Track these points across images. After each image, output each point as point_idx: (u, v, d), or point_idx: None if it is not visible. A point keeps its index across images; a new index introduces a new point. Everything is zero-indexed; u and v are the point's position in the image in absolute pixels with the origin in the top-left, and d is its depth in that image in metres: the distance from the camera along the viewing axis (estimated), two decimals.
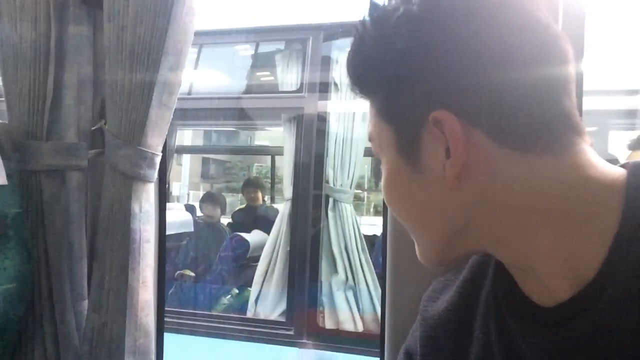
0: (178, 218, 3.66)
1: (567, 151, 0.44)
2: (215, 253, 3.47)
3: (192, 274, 3.34)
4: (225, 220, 4.82)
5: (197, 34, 1.13)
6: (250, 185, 5.18)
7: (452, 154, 0.44)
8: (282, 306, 2.64)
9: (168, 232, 3.51)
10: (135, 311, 1.02)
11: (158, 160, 1.05)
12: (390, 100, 0.48)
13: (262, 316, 2.64)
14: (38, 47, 1.10)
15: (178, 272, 3.36)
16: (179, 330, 2.55)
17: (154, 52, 1.02)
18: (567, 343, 0.43)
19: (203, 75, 3.08)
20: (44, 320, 1.07)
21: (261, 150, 5.93)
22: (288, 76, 2.69)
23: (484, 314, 0.54)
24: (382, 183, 0.53)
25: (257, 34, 2.74)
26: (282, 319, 2.55)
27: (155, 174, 1.05)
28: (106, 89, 1.06)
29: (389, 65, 0.47)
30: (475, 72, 0.44)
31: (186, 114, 3.43)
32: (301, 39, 2.59)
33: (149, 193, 1.05)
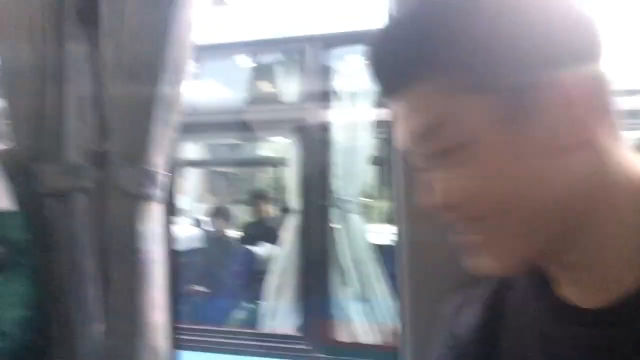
0: (186, 234, 3.64)
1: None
2: (224, 267, 3.44)
3: (204, 289, 3.31)
4: (234, 232, 4.79)
5: (197, 48, 1.11)
6: (258, 198, 5.15)
7: (573, 123, 0.41)
8: (295, 319, 2.61)
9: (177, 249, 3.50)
10: (147, 334, 1.00)
11: (163, 178, 1.04)
12: (487, 67, 0.42)
13: (275, 330, 2.61)
14: (36, 67, 1.08)
15: (188, 287, 3.34)
16: (192, 347, 2.52)
17: (152, 69, 1.00)
18: (631, 344, 0.41)
19: (205, 88, 3.07)
20: (58, 346, 1.05)
21: (265, 162, 5.91)
22: (288, 87, 2.68)
23: (515, 325, 0.51)
24: (446, 180, 0.46)
25: (256, 46, 2.73)
26: (297, 333, 2.51)
27: (160, 193, 1.04)
28: (106, 108, 1.04)
29: (479, 30, 0.42)
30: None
31: (191, 128, 3.42)
32: (299, 50, 2.58)
33: (155, 213, 1.03)
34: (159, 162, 1.02)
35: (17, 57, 1.10)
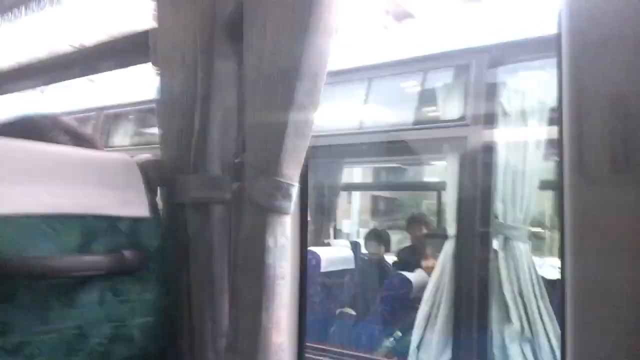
0: (338, 254, 3.63)
1: None
2: (377, 291, 3.35)
3: (353, 312, 3.25)
4: (389, 257, 4.70)
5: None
6: (415, 222, 5.00)
7: None
8: (447, 355, 2.40)
9: (329, 269, 3.51)
10: (266, 354, 0.95)
11: (294, 191, 0.99)
12: None
13: None
14: (186, 85, 1.13)
15: (339, 310, 3.31)
16: None
17: (289, 78, 0.97)
18: None
19: (358, 108, 3.05)
20: (185, 357, 1.06)
21: (425, 186, 5.73)
22: (449, 105, 2.52)
23: None
24: None
25: (416, 63, 2.63)
26: None
27: (291, 206, 0.99)
28: (246, 120, 1.04)
29: None
30: None
31: (349, 150, 3.43)
32: (463, 64, 2.41)
33: (284, 226, 0.98)
34: (290, 174, 0.98)
35: (171, 80, 1.16)
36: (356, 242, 5.26)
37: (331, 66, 0.93)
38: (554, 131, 2.49)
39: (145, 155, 1.06)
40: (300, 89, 0.97)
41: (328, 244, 4.71)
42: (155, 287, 0.98)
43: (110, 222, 0.94)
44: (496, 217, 2.37)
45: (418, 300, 2.99)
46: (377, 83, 2.74)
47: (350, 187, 5.67)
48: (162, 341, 1.00)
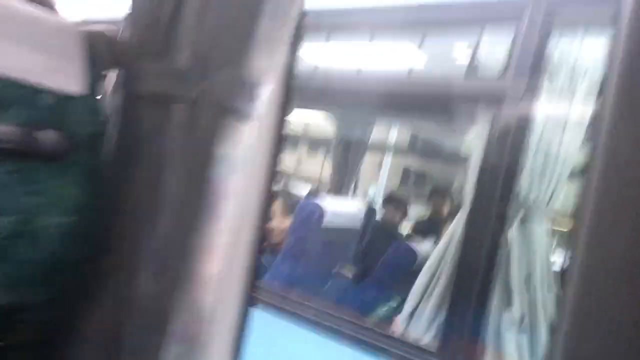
0: (348, 211, 3.46)
1: None
2: (380, 256, 3.18)
3: (351, 274, 3.10)
4: (405, 225, 4.53)
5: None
6: (436, 194, 4.79)
7: None
8: (435, 331, 2.23)
9: (333, 224, 3.35)
10: (190, 285, 0.79)
11: (262, 92, 0.80)
12: None
13: (410, 336, 2.26)
14: None
15: (337, 269, 3.16)
16: (319, 331, 2.34)
17: None
18: None
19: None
20: (110, 275, 0.91)
21: (453, 156, 5.46)
22: (491, 61, 2.25)
23: None
24: None
25: (460, 9, 2.34)
26: (430, 347, 2.12)
27: (256, 110, 0.81)
28: (219, 1, 0.84)
29: None
30: None
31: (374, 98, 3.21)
32: (517, 7, 2.10)
33: (243, 134, 0.80)
34: (259, 69, 0.79)
35: None
36: (373, 204, 5.09)
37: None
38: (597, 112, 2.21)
39: (98, 28, 0.88)
40: None
41: (344, 201, 4.55)
42: (77, 183, 0.82)
43: (30, 92, 0.77)
44: (518, 193, 2.14)
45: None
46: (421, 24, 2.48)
47: (377, 147, 5.43)
48: (83, 247, 0.85)
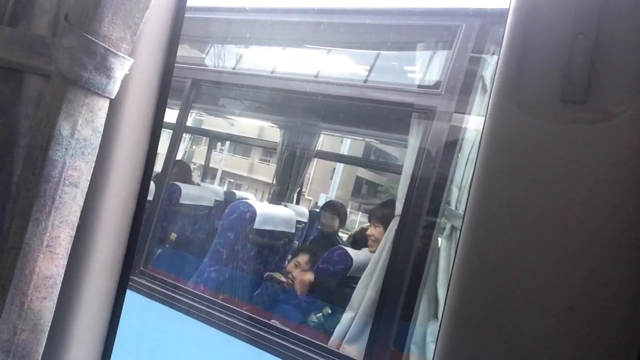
0: (281, 215, 3.34)
1: None
2: (314, 262, 3.08)
3: (283, 279, 2.98)
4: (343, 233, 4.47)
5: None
6: (382, 207, 4.80)
7: None
8: (363, 342, 2.14)
9: (265, 227, 3.24)
10: (23, 287, 0.66)
11: (121, 65, 0.69)
12: None
13: (343, 349, 2.17)
14: None
15: (267, 273, 3.04)
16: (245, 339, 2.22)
17: None
18: None
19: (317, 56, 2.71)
20: None
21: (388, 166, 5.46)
22: (425, 69, 2.21)
23: None
24: None
25: (399, 15, 2.29)
26: (353, 355, 2.03)
27: (111, 86, 0.69)
28: None
29: None
30: None
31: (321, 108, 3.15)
32: (451, 26, 2.09)
33: (94, 112, 0.68)
34: (115, 37, 0.67)
35: None
36: (314, 211, 5.02)
37: None
38: None
39: None
40: None
41: (284, 206, 4.45)
42: None
43: None
44: (448, 203, 2.09)
45: (356, 280, 2.74)
46: (349, 30, 2.41)
47: (322, 156, 5.38)
48: None
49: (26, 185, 0.67)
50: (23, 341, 0.67)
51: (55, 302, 0.69)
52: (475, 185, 0.55)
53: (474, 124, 2.12)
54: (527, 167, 0.51)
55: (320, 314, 2.81)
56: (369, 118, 3.21)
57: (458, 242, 0.57)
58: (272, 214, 3.20)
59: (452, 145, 2.09)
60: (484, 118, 0.58)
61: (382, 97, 2.24)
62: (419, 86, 2.23)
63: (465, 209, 0.57)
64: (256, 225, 2.98)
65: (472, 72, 2.10)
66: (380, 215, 3.28)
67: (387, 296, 2.04)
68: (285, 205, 4.37)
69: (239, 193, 5.14)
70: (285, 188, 5.12)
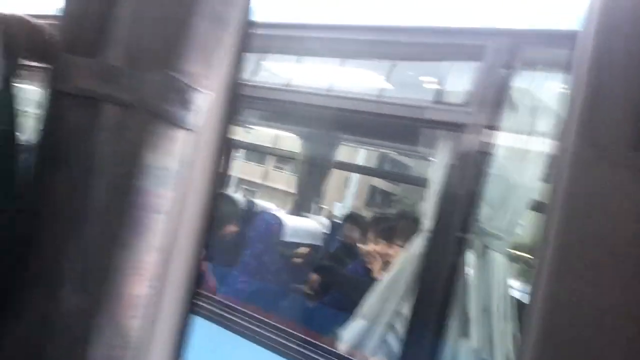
0: (308, 228, 3.38)
1: None
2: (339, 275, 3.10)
3: (310, 290, 3.02)
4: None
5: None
6: (404, 218, 4.81)
7: None
8: (387, 352, 2.16)
9: (292, 239, 3.28)
10: (115, 306, 0.70)
11: (200, 99, 0.73)
12: None
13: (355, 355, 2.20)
14: None
15: (294, 285, 3.07)
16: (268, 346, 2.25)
17: None
18: None
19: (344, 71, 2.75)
20: (29, 289, 0.81)
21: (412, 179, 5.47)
22: (454, 85, 2.24)
23: None
24: None
25: (426, 33, 2.33)
26: None
27: (192, 119, 0.73)
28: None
29: None
30: None
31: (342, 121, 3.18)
32: (478, 45, 2.12)
33: (174, 143, 0.73)
34: (196, 74, 0.71)
35: None
36: (336, 222, 5.04)
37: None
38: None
39: (16, 14, 0.79)
40: None
41: (306, 217, 4.49)
42: None
43: None
44: (478, 220, 2.11)
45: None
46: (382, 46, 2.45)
47: (341, 166, 5.40)
48: None
49: (112, 211, 0.71)
50: (117, 356, 0.72)
51: (142, 320, 0.73)
52: (554, 228, 0.57)
53: (502, 140, 2.15)
54: (606, 213, 0.53)
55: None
56: (393, 131, 3.24)
57: (533, 280, 0.59)
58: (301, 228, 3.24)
59: (481, 161, 2.10)
60: (553, 157, 0.61)
61: (410, 114, 2.28)
62: (449, 103, 2.26)
63: (543, 255, 0.58)
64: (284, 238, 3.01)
65: (502, 89, 2.12)
66: (388, 229, 3.07)
67: (418, 313, 2.06)
68: (307, 216, 4.41)
69: (262, 203, 5.16)
70: (305, 198, 5.15)
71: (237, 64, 0.85)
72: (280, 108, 2.81)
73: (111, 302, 0.71)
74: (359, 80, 2.86)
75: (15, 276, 0.83)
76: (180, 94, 0.70)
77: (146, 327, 0.75)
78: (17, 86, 0.75)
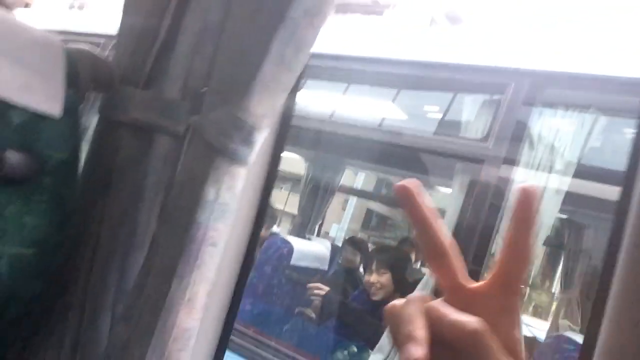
0: (314, 252, 3.38)
1: None
2: (342, 300, 3.09)
3: (313, 314, 3.00)
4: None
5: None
6: (406, 244, 4.80)
7: None
8: None
9: (299, 263, 3.27)
10: (164, 338, 0.70)
11: (259, 137, 0.74)
12: None
13: None
14: None
15: (298, 309, 3.05)
16: None
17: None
18: None
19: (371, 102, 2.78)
20: (69, 316, 0.81)
21: None
22: (475, 121, 2.27)
23: None
24: None
25: (450, 69, 2.37)
26: None
27: (251, 155, 0.74)
28: (221, 38, 0.79)
29: None
30: None
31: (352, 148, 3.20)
32: (501, 83, 2.16)
33: (234, 179, 0.73)
34: (259, 114, 0.73)
35: None
36: (337, 246, 5.04)
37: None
38: (575, 185, 2.26)
39: (83, 47, 0.81)
40: (297, 5, 0.72)
41: (309, 239, 4.48)
42: (42, 211, 0.73)
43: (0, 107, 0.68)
44: (492, 254, 2.12)
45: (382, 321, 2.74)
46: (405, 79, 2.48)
47: (345, 190, 5.42)
48: (39, 283, 0.75)
49: (166, 243, 0.72)
50: None
51: (190, 353, 0.73)
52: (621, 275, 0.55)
53: (521, 175, 2.17)
54: None
55: None
56: (405, 159, 3.25)
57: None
58: (308, 252, 3.23)
59: (498, 196, 2.12)
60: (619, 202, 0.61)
61: (432, 146, 2.30)
62: (468, 138, 2.28)
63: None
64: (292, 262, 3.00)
65: (521, 127, 2.15)
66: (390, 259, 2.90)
67: None
68: (309, 238, 4.40)
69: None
70: (307, 220, 5.14)
71: (290, 101, 0.86)
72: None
73: (160, 334, 0.71)
74: (377, 110, 2.89)
75: (55, 302, 0.83)
76: (244, 133, 0.71)
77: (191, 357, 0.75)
78: (77, 116, 0.76)
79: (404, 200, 0.38)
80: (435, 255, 0.39)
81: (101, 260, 0.81)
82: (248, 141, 0.72)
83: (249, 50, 0.70)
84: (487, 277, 0.42)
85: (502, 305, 0.38)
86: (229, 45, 0.72)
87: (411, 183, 0.38)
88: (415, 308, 0.36)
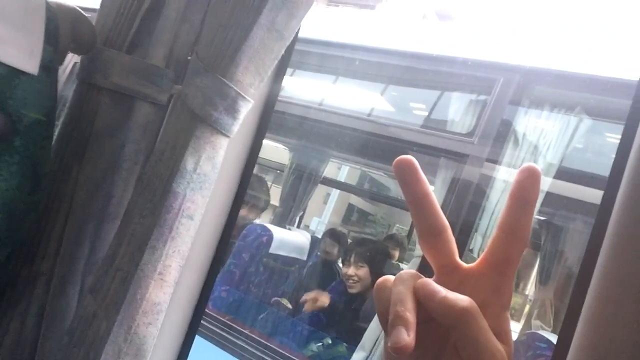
0: (294, 241, 3.36)
1: None
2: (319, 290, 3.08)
3: (289, 305, 2.98)
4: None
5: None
6: (391, 241, 4.84)
7: None
8: None
9: (279, 252, 3.24)
10: (132, 312, 0.68)
11: (245, 108, 0.72)
12: None
13: None
14: None
15: (275, 299, 3.03)
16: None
17: None
18: None
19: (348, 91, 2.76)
20: (36, 284, 0.78)
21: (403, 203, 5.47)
22: (460, 116, 2.26)
23: None
24: None
25: (438, 62, 2.36)
26: None
27: (234, 126, 0.72)
28: (211, 3, 0.76)
29: None
30: None
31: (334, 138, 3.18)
32: (489, 78, 2.15)
33: (216, 149, 0.71)
34: (247, 83, 0.70)
35: None
36: (317, 237, 5.02)
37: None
38: (556, 187, 2.28)
39: (63, 4, 0.77)
40: None
41: (289, 230, 4.46)
42: (12, 173, 0.69)
43: None
44: (470, 250, 2.12)
45: (358, 314, 2.74)
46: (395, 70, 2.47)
47: (328, 183, 5.40)
48: (6, 250, 0.72)
49: (141, 212, 0.69)
50: None
51: (159, 328, 0.70)
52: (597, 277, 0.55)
53: (503, 174, 2.17)
54: None
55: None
56: (386, 152, 3.25)
57: None
58: (288, 241, 3.21)
59: (479, 193, 2.13)
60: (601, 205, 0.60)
61: (415, 139, 2.29)
62: (454, 132, 2.28)
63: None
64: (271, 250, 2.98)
65: (506, 124, 2.15)
66: (369, 253, 2.94)
67: None
68: (289, 229, 4.38)
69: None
70: (288, 211, 5.12)
71: (278, 76, 0.84)
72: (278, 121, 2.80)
73: (129, 307, 0.68)
74: (361, 101, 2.87)
75: (23, 269, 0.80)
76: (228, 101, 0.68)
77: (160, 334, 0.73)
78: (55, 75, 0.72)
79: (404, 174, 0.37)
80: (431, 232, 0.38)
81: (73, 228, 0.78)
82: (232, 110, 0.69)
83: (238, 15, 0.67)
84: (480, 256, 0.41)
85: (494, 285, 0.38)
86: (218, 9, 0.70)
87: (411, 158, 0.37)
88: (406, 286, 0.35)
